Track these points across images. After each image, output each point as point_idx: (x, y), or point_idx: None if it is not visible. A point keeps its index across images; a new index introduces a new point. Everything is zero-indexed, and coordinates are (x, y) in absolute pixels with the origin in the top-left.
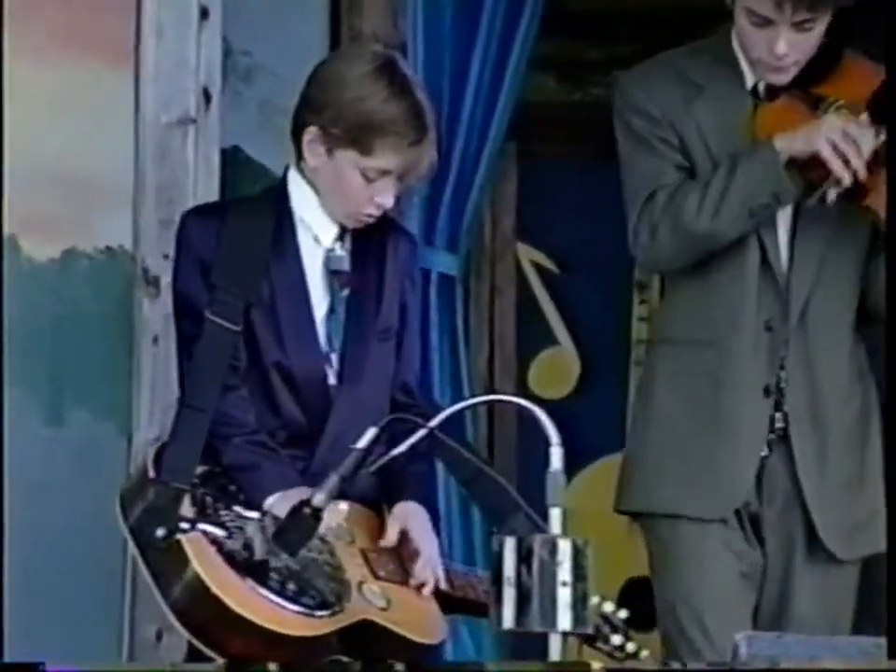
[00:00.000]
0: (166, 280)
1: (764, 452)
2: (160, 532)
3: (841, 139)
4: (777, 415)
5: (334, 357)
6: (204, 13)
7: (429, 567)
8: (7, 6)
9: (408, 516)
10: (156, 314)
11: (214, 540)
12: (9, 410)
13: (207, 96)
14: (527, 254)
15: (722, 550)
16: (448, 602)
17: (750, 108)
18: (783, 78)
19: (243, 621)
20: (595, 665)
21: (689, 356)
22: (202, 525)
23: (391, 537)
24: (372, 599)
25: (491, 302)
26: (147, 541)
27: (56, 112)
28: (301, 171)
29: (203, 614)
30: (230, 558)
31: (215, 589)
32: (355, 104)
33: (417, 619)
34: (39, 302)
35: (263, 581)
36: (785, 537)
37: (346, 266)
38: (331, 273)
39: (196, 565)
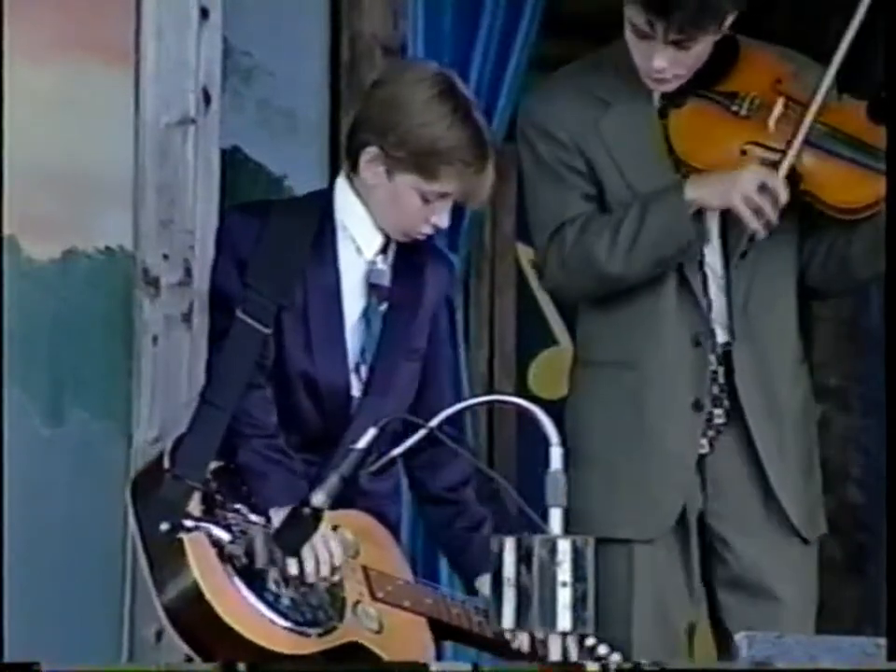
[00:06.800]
0: (166, 280)
1: (705, 450)
2: (164, 526)
3: (756, 193)
4: (718, 411)
5: (364, 369)
6: (204, 13)
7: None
8: (6, 6)
9: None
10: (156, 314)
11: (216, 542)
12: (9, 410)
13: (207, 96)
14: (527, 254)
15: (651, 572)
16: (442, 630)
17: (658, 119)
18: (664, 88)
19: (232, 632)
20: (591, 666)
21: (610, 377)
22: (206, 526)
23: None
24: (365, 621)
25: (491, 303)
26: (150, 531)
27: (56, 112)
28: (350, 182)
29: (195, 618)
30: (229, 562)
31: (209, 596)
32: (419, 129)
33: (407, 648)
34: (39, 302)
35: (259, 592)
36: (742, 527)
37: (387, 281)
38: (371, 287)
39: (195, 568)
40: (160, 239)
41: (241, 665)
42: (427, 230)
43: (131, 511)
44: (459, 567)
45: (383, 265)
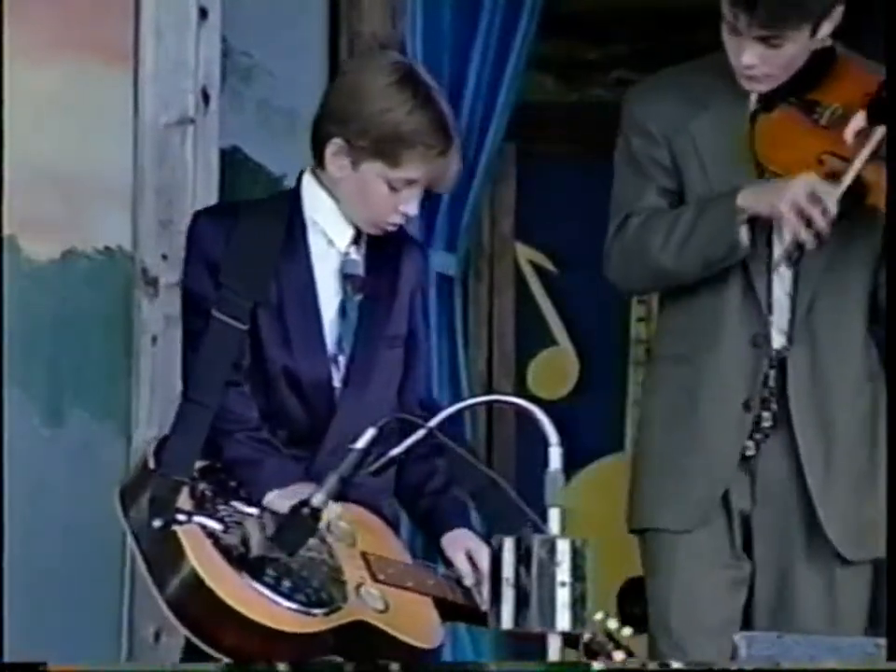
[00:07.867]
0: (165, 280)
1: (752, 452)
2: (156, 522)
3: (806, 202)
4: (766, 415)
5: (342, 360)
6: (203, 13)
7: None
8: (6, 6)
9: (466, 542)
10: (155, 314)
11: (210, 534)
12: (9, 410)
13: (206, 96)
14: (526, 254)
15: (696, 559)
16: (448, 609)
17: (749, 123)
18: (756, 87)
19: (236, 615)
20: (596, 665)
21: (671, 371)
22: (198, 518)
23: (464, 567)
24: (370, 601)
25: (490, 302)
26: (144, 533)
27: (56, 112)
28: (317, 177)
29: (198, 607)
30: (225, 552)
31: (209, 582)
32: (380, 116)
33: (415, 623)
34: (39, 302)
35: (258, 577)
36: (781, 537)
37: (361, 271)
38: (345, 278)
39: (192, 557)
40: (159, 239)
41: (281, 666)
42: (398, 219)
43: (122, 519)
44: (427, 528)
45: (356, 255)
